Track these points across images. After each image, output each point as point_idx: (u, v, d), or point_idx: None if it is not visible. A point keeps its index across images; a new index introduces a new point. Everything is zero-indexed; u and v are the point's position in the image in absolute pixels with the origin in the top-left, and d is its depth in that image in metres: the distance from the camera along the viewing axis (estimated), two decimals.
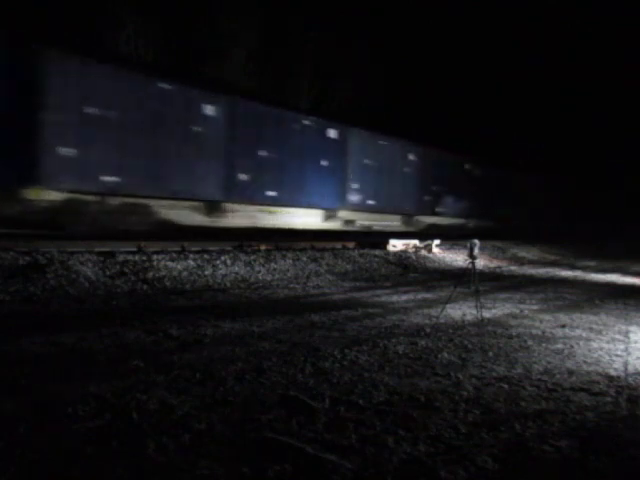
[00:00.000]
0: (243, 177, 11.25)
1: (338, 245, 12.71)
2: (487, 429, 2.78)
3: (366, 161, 14.58)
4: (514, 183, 22.93)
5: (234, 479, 2.19)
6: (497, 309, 6.82)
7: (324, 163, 13.18)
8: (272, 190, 11.90)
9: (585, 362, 4.22)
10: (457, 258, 13.79)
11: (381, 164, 15.08)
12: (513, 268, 13.70)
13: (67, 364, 3.66)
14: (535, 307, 7.14)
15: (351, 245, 13.15)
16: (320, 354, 4.15)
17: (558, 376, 3.80)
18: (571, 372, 3.92)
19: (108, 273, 7.23)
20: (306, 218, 13.03)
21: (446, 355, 4.29)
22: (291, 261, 9.81)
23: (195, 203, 10.64)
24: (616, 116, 30.42)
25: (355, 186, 14.13)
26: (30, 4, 12.73)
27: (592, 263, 16.38)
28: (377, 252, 12.34)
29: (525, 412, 3.05)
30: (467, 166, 19.60)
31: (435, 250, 14.08)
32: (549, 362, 4.19)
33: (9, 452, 2.31)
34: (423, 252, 13.69)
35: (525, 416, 2.98)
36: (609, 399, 3.34)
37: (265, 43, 18.10)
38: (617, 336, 5.32)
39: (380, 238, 14.00)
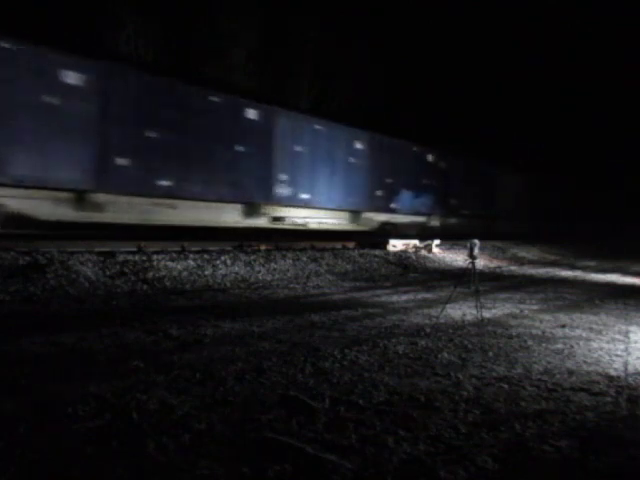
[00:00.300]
0: (122, 162, 9.16)
1: (338, 245, 12.72)
2: (487, 429, 2.77)
3: (298, 148, 12.43)
4: (491, 178, 21.05)
5: (234, 479, 2.19)
6: (497, 309, 6.82)
7: (240, 148, 11.11)
8: (166, 179, 9.82)
9: (585, 362, 4.22)
10: (457, 258, 13.79)
11: (318, 152, 12.91)
12: (513, 268, 13.70)
13: (67, 364, 3.66)
14: (535, 307, 7.14)
15: (351, 245, 13.16)
16: (320, 354, 4.15)
17: (558, 376, 3.80)
18: (571, 372, 3.91)
19: (108, 273, 7.23)
20: (221, 214, 11.06)
21: (446, 355, 4.29)
22: (291, 261, 9.81)
23: (61, 193, 8.66)
24: (616, 116, 30.44)
25: (284, 177, 12.06)
26: (30, 4, 12.73)
27: (592, 263, 16.38)
28: (377, 252, 12.35)
29: (525, 412, 3.05)
30: (431, 158, 17.39)
31: (435, 250, 14.09)
32: (549, 362, 4.19)
33: (9, 452, 2.31)
34: (423, 252, 13.69)
35: (525, 416, 2.98)
36: (609, 399, 3.34)
37: (265, 43, 18.12)
38: (617, 336, 5.32)
39: (317, 238, 12.45)
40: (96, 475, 2.17)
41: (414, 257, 12.73)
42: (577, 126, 30.04)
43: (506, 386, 3.53)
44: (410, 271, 11.28)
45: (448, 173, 18.27)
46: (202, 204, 10.65)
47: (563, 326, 5.77)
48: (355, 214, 14.40)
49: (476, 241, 6.07)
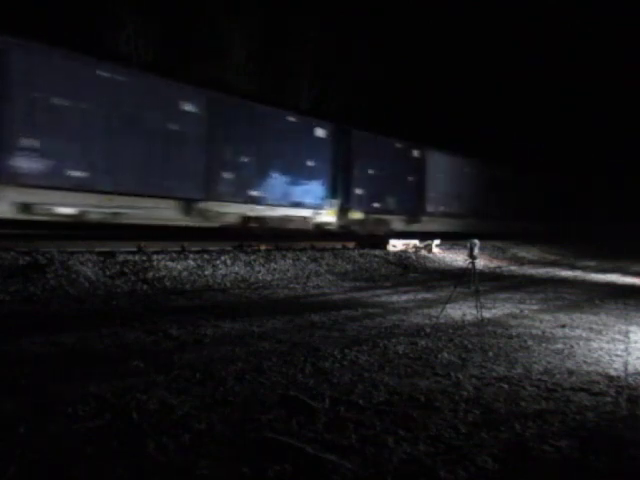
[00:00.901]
0: None
1: (338, 245, 12.72)
2: (487, 429, 2.77)
3: (64, 102, 8.54)
4: (421, 164, 16.41)
5: (234, 479, 2.19)
6: (497, 309, 6.82)
7: None
8: None
9: (585, 362, 4.22)
10: (457, 258, 13.79)
11: (106, 111, 9.03)
12: (513, 268, 13.70)
13: (67, 364, 3.65)
14: (535, 307, 7.14)
15: (351, 245, 13.15)
16: (320, 354, 4.15)
17: (558, 376, 3.80)
18: (571, 372, 3.91)
19: (108, 273, 7.23)
20: None
21: (446, 355, 4.29)
22: (291, 261, 9.80)
23: None
24: (616, 116, 30.45)
25: (31, 143, 8.16)
26: (30, 4, 12.75)
27: (592, 263, 16.37)
28: (377, 252, 12.34)
29: (525, 412, 3.05)
30: (321, 133, 13.07)
31: (435, 250, 14.09)
32: (549, 362, 4.19)
33: (9, 452, 2.31)
34: (423, 252, 13.69)
35: (525, 416, 2.98)
36: (609, 399, 3.34)
37: (265, 43, 18.13)
38: (617, 336, 5.32)
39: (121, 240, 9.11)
40: (96, 475, 2.17)
41: (414, 257, 12.73)
42: (577, 126, 30.05)
43: (506, 386, 3.53)
44: (410, 271, 11.28)
45: (352, 154, 14.03)
46: None
47: (563, 326, 5.77)
48: (190, 203, 10.49)
49: (476, 241, 6.08)
